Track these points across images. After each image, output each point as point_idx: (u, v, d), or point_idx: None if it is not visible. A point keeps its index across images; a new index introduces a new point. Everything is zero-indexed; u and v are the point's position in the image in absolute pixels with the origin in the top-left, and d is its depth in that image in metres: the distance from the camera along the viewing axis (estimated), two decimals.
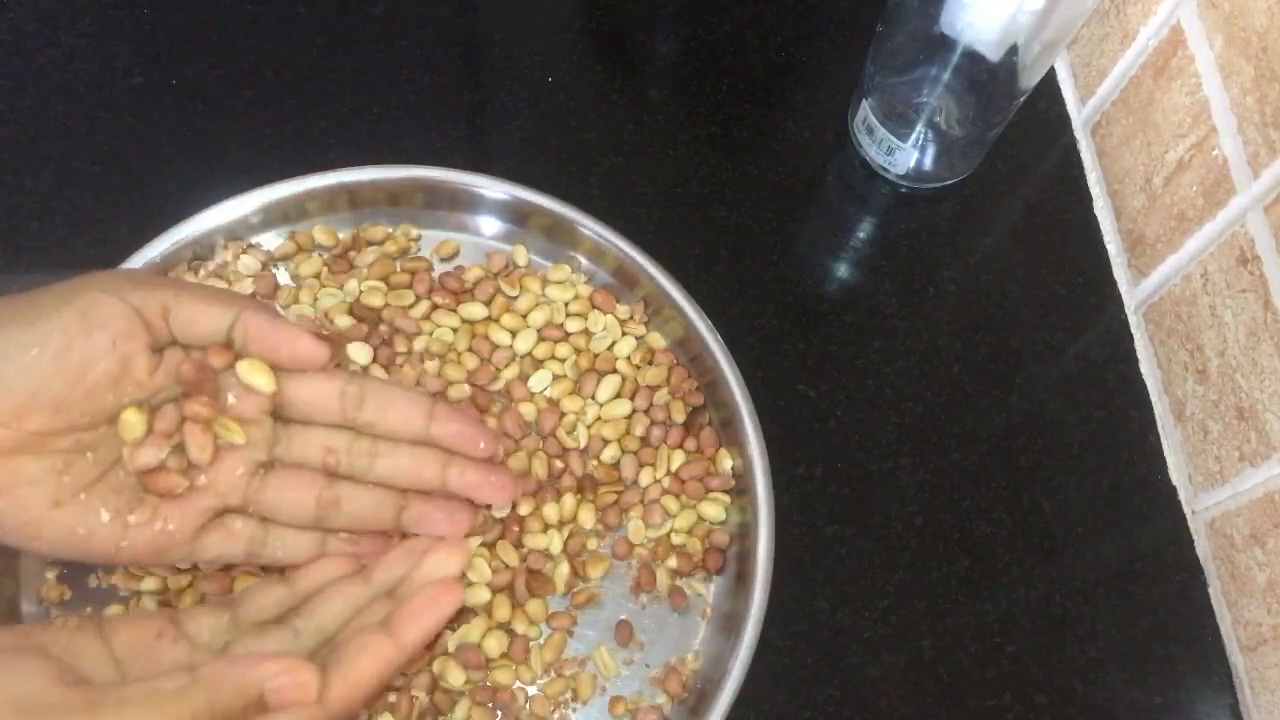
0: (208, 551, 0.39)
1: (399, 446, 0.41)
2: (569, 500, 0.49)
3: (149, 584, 0.46)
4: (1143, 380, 0.56)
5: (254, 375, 0.38)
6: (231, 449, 0.39)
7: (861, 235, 0.59)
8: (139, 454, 0.37)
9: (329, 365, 0.39)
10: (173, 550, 0.38)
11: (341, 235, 0.53)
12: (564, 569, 0.48)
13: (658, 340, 0.53)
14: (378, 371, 0.51)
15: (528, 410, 0.51)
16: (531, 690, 0.47)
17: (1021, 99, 0.54)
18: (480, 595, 0.47)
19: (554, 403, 0.51)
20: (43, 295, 0.35)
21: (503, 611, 0.47)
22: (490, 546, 0.48)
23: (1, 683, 0.31)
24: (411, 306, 0.52)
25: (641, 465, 0.50)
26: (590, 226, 0.52)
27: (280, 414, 0.39)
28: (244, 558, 0.40)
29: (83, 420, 0.35)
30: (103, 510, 0.36)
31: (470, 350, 0.52)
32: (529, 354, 0.52)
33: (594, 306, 0.53)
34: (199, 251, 0.51)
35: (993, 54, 0.50)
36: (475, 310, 0.52)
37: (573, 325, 0.53)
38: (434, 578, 0.41)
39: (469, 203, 0.53)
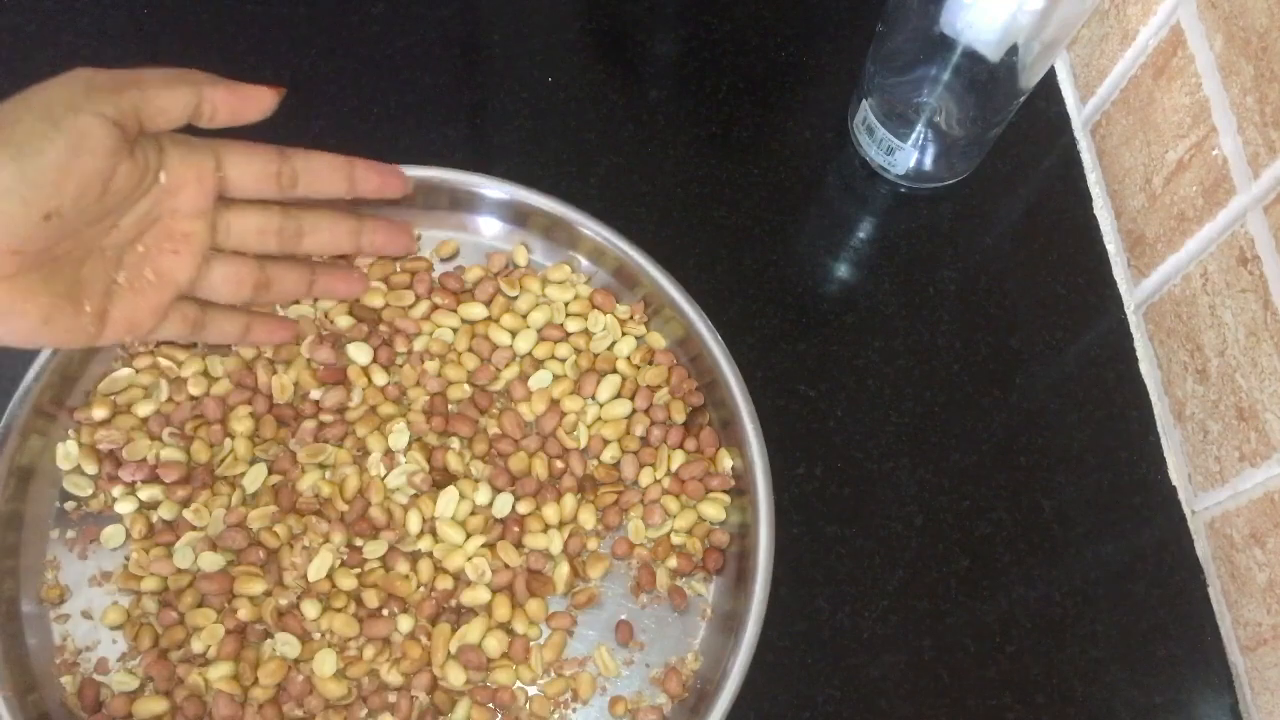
0: (164, 333, 0.42)
1: (321, 220, 0.44)
2: (569, 500, 0.49)
3: (149, 583, 0.46)
4: (1143, 380, 0.56)
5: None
6: (184, 241, 0.41)
7: (861, 235, 0.59)
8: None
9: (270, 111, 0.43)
10: (139, 332, 0.40)
11: None
12: (564, 569, 0.48)
13: (658, 340, 0.53)
14: (378, 372, 0.51)
15: (527, 410, 0.51)
16: (531, 690, 0.47)
17: (1021, 99, 0.54)
18: (480, 595, 0.47)
19: (554, 403, 0.51)
20: (26, 124, 0.36)
21: (503, 611, 0.47)
22: (490, 546, 0.48)
23: None
24: (411, 306, 0.52)
25: (641, 465, 0.50)
26: (590, 226, 0.52)
27: (222, 195, 0.42)
28: (189, 337, 0.43)
29: (73, 232, 0.37)
30: (86, 304, 0.38)
31: (470, 350, 0.52)
32: (529, 354, 0.52)
33: (594, 306, 0.53)
34: None
35: (993, 54, 0.50)
36: (475, 310, 0.52)
37: (573, 325, 0.53)
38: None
39: (469, 203, 0.53)
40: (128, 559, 0.47)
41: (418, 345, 0.52)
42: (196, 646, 0.45)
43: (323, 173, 0.43)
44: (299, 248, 0.44)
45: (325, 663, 0.45)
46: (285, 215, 0.43)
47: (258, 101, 0.42)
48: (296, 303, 0.52)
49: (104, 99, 0.37)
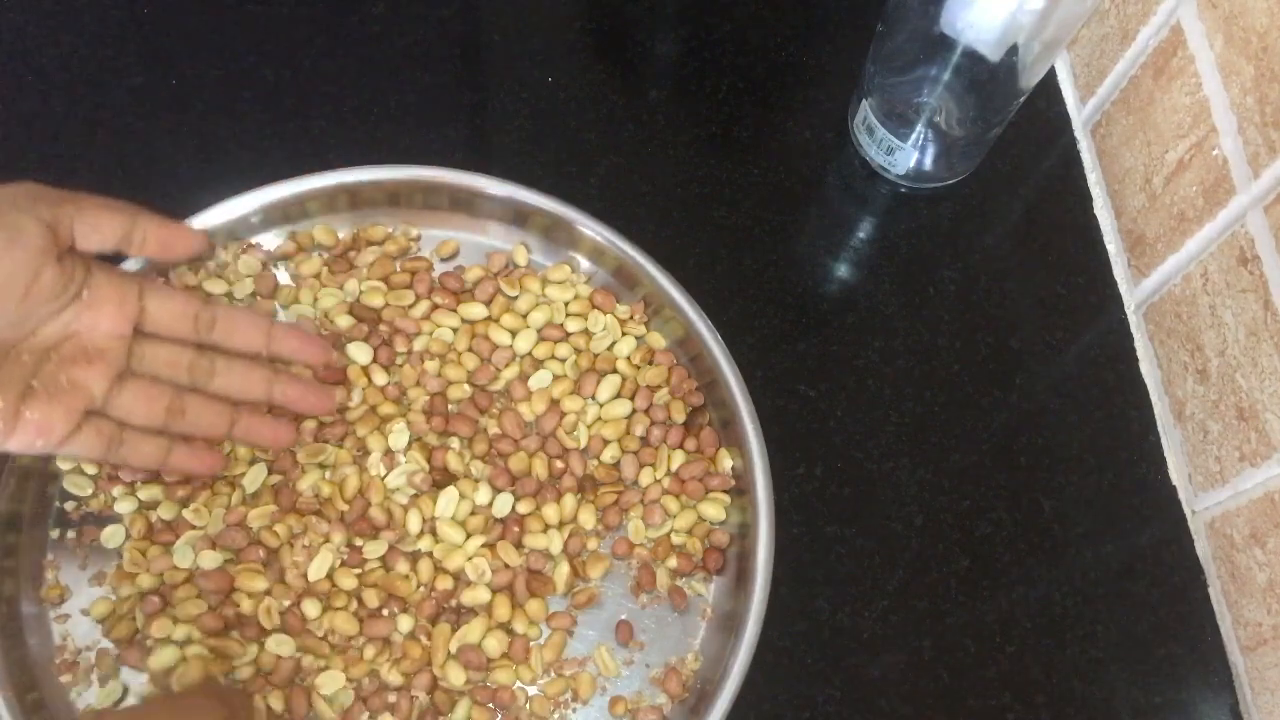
0: (76, 446, 0.42)
1: (234, 364, 0.46)
2: (569, 500, 0.49)
3: (145, 581, 0.46)
4: (1143, 380, 0.56)
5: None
6: (100, 357, 0.42)
7: (861, 235, 0.59)
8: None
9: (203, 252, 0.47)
10: (51, 437, 0.41)
11: (341, 235, 0.53)
12: (564, 569, 0.48)
13: (658, 340, 0.53)
14: (378, 372, 0.51)
15: (527, 410, 0.51)
16: (531, 690, 0.47)
17: (1021, 99, 0.54)
18: (480, 595, 0.47)
19: (554, 403, 0.51)
20: None
21: (503, 611, 0.47)
22: (490, 546, 0.48)
23: None
24: (411, 306, 0.52)
25: (641, 465, 0.50)
26: (590, 226, 0.52)
27: (139, 329, 0.44)
28: (103, 457, 0.43)
29: None
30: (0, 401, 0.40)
31: (470, 350, 0.52)
32: (529, 354, 0.52)
33: (594, 306, 0.53)
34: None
35: (993, 54, 0.50)
36: (475, 310, 0.52)
37: (573, 325, 0.53)
38: None
39: (469, 203, 0.53)
40: (122, 556, 0.47)
41: (418, 345, 0.52)
42: (178, 634, 0.45)
43: (241, 326, 0.46)
44: (209, 385, 0.46)
45: (329, 682, 0.45)
46: (199, 352, 0.45)
47: (186, 240, 0.45)
48: (296, 301, 0.52)
49: (44, 206, 0.40)
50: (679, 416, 0.51)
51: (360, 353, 0.51)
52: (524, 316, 0.52)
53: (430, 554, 0.48)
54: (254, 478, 0.48)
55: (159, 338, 0.44)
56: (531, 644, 0.47)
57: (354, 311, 0.52)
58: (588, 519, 0.49)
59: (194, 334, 0.45)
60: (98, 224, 0.41)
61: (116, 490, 0.48)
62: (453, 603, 0.47)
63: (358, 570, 0.47)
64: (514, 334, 0.52)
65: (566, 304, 0.53)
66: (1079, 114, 0.62)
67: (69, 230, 0.41)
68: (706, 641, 0.48)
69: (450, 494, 0.48)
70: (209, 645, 0.45)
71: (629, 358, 0.52)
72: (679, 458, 0.50)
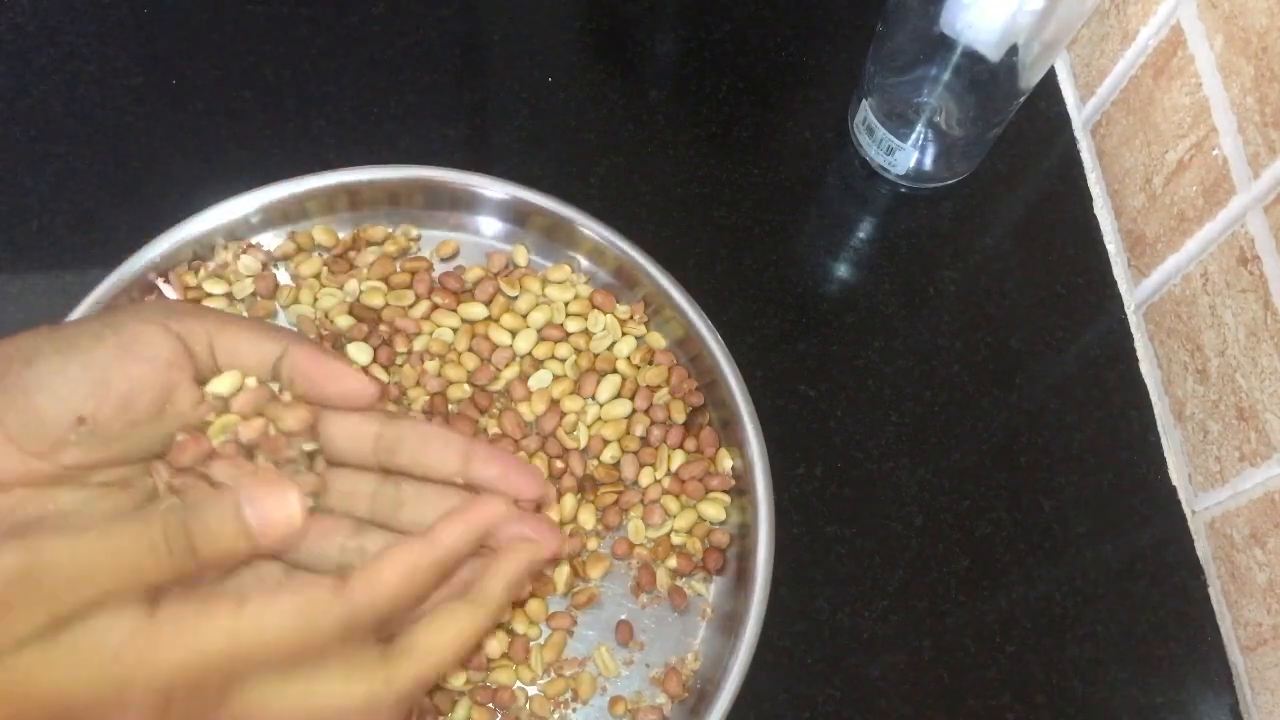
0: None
1: (424, 496, 0.39)
2: (569, 500, 0.49)
3: None
4: (1143, 380, 0.56)
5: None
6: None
7: (861, 235, 0.59)
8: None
9: (377, 404, 0.38)
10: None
11: (341, 235, 0.53)
12: (564, 569, 0.48)
13: (658, 340, 0.53)
14: (378, 371, 0.51)
15: (527, 410, 0.51)
16: (531, 690, 0.47)
17: (1021, 99, 0.54)
18: None
19: (554, 403, 0.51)
20: (83, 324, 0.34)
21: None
22: None
23: None
24: (411, 306, 0.52)
25: (641, 465, 0.50)
26: (590, 226, 0.52)
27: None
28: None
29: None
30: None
31: (470, 350, 0.52)
32: (529, 354, 0.52)
33: (594, 306, 0.53)
34: (199, 251, 0.51)
35: (993, 54, 0.50)
36: (475, 310, 0.52)
37: (573, 325, 0.53)
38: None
39: (469, 203, 0.53)
40: None
41: (418, 345, 0.52)
42: None
43: (434, 448, 0.38)
44: (394, 519, 0.38)
45: None
46: (382, 479, 0.39)
47: (341, 381, 0.36)
48: (296, 301, 0.52)
49: (174, 317, 0.34)
50: (679, 416, 0.51)
51: (360, 353, 0.51)
52: (524, 316, 0.52)
53: None
54: None
55: (333, 463, 0.38)
56: (531, 644, 0.47)
57: (354, 311, 0.52)
58: (588, 519, 0.49)
59: (375, 458, 0.38)
60: (238, 347, 0.35)
61: None
62: None
63: None
64: (514, 334, 0.52)
65: (566, 304, 0.53)
66: (1079, 114, 0.62)
67: (207, 348, 0.35)
68: (706, 641, 0.48)
69: None
70: None
71: (629, 358, 0.52)
72: (679, 458, 0.50)
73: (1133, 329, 0.57)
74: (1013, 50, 0.50)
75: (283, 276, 0.52)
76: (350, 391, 0.36)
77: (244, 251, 0.52)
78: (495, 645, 0.46)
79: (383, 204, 0.53)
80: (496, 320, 0.52)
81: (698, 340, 0.51)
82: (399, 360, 0.51)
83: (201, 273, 0.51)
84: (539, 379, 0.51)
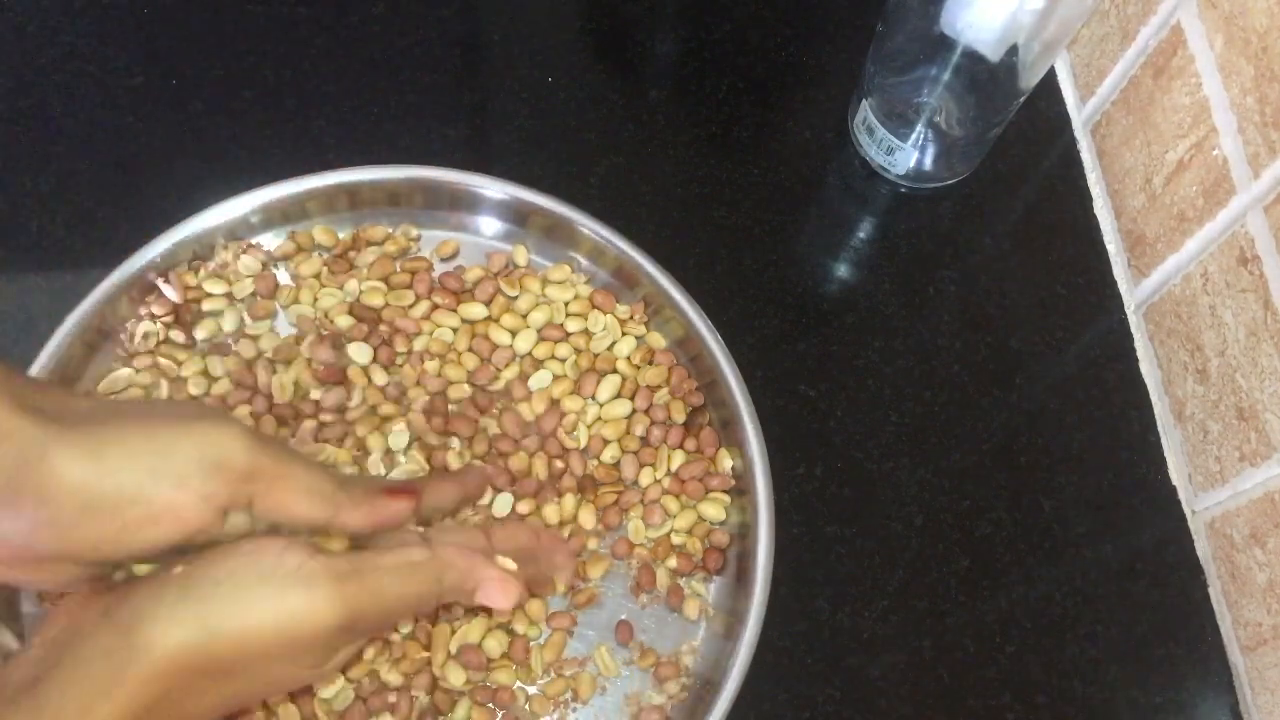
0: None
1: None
2: (569, 500, 0.49)
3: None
4: (1143, 380, 0.56)
5: None
6: None
7: (861, 235, 0.59)
8: None
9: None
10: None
11: (341, 235, 0.53)
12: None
13: (658, 340, 0.53)
14: (378, 372, 0.51)
15: (527, 410, 0.51)
16: (531, 690, 0.47)
17: (1021, 99, 0.54)
18: None
19: (554, 403, 0.51)
20: (139, 449, 0.34)
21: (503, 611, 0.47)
22: None
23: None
24: (411, 306, 0.52)
25: (641, 465, 0.50)
26: (590, 226, 0.52)
27: None
28: None
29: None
30: None
31: (470, 350, 0.52)
32: (529, 354, 0.52)
33: (594, 306, 0.53)
34: (199, 251, 0.51)
35: (993, 54, 0.50)
36: (475, 310, 0.52)
37: (573, 325, 0.53)
38: None
39: (469, 203, 0.53)
40: None
41: (418, 345, 0.52)
42: None
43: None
44: None
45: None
46: None
47: (384, 512, 0.39)
48: (296, 301, 0.52)
49: (225, 481, 0.35)
50: (679, 416, 0.51)
51: (360, 353, 0.51)
52: (524, 316, 0.52)
53: None
54: None
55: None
56: (531, 644, 0.47)
57: (354, 311, 0.52)
58: (588, 519, 0.49)
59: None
60: (287, 508, 0.37)
61: None
62: None
63: None
64: (514, 334, 0.52)
65: (566, 304, 0.53)
66: (1079, 114, 0.62)
67: (245, 502, 0.36)
68: (706, 641, 0.48)
69: None
70: None
71: (629, 358, 0.52)
72: (679, 458, 0.50)
73: (1133, 329, 0.57)
74: (1013, 50, 0.50)
75: (283, 276, 0.52)
76: (394, 515, 0.40)
77: (244, 251, 0.52)
78: (495, 645, 0.46)
79: (383, 204, 0.53)
80: (496, 320, 0.52)
81: (698, 340, 0.51)
82: (399, 360, 0.51)
83: (201, 273, 0.51)
84: (539, 379, 0.51)
